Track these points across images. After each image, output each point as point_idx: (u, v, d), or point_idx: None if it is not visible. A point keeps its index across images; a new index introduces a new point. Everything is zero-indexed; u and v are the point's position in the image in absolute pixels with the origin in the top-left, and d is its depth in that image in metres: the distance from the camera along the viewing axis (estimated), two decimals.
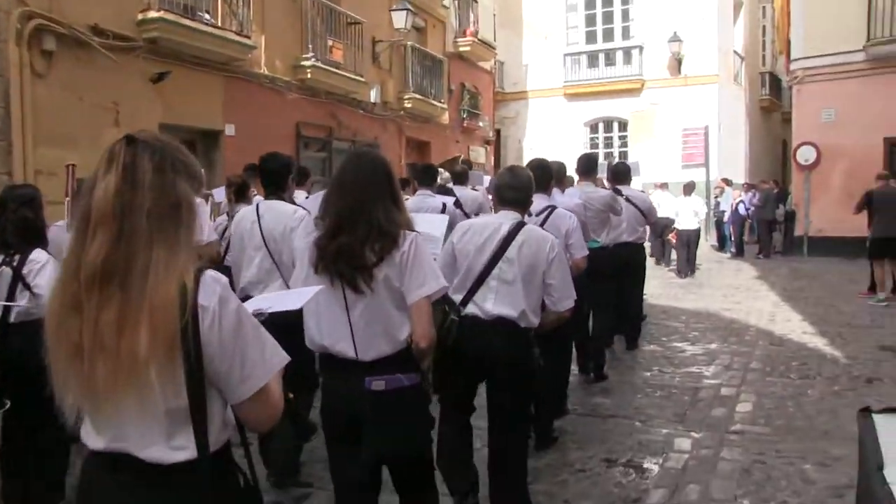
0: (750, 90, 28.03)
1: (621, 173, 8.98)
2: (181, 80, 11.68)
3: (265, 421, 2.01)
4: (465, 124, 21.60)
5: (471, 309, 4.05)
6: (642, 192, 9.96)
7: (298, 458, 5.08)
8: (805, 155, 19.72)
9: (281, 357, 1.96)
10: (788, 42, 22.27)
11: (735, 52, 26.67)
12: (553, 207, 5.56)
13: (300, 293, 2.84)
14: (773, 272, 16.70)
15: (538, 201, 5.42)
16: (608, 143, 26.68)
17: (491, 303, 4.03)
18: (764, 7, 29.53)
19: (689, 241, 16.40)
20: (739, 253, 20.30)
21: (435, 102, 19.47)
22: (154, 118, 11.00)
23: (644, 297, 10.95)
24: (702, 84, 24.50)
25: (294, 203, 5.18)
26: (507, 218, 4.16)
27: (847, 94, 19.15)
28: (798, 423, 6.15)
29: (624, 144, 26.24)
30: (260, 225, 4.90)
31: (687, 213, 16.37)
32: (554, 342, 5.11)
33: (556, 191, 6.49)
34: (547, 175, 5.77)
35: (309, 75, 14.67)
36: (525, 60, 27.24)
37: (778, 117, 31.77)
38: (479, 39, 21.65)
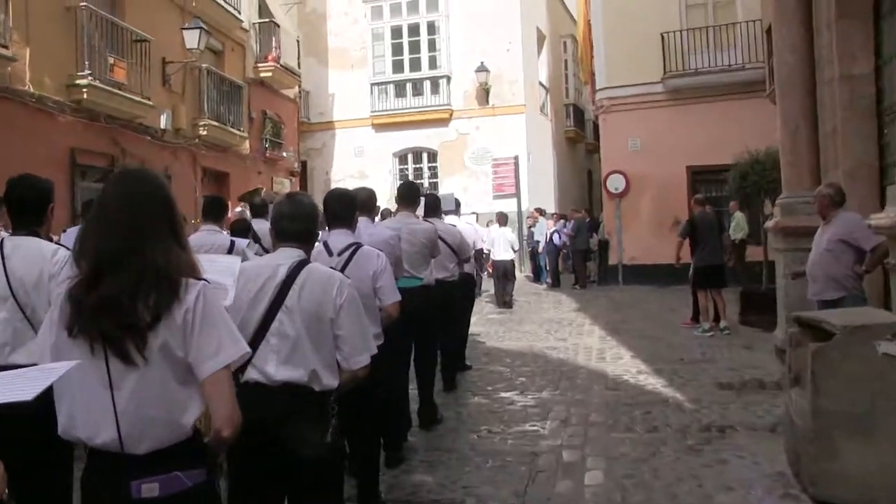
0: (556, 121, 28.07)
1: (431, 206, 8.15)
2: None
3: None
4: (267, 154, 20.01)
5: (251, 374, 3.17)
6: (453, 226, 9.00)
7: None
8: (615, 183, 19.57)
9: None
10: (593, 74, 22.33)
11: (541, 83, 26.61)
12: (358, 245, 4.60)
13: (40, 373, 2.04)
14: (592, 303, 16.15)
15: (340, 238, 4.62)
16: (418, 173, 25.79)
17: (273, 365, 3.17)
18: (565, 42, 29.77)
19: (506, 272, 15.96)
20: (556, 284, 19.80)
21: (234, 130, 17.79)
22: None
23: (469, 336, 10.05)
24: (509, 114, 24.14)
25: (52, 241, 4.03)
26: (287, 257, 3.34)
27: (650, 124, 19.20)
28: (659, 498, 5.10)
29: (434, 175, 25.44)
30: (5, 269, 3.69)
31: (501, 244, 15.86)
32: (362, 407, 4.23)
33: (365, 221, 5.56)
34: (349, 206, 4.76)
35: (85, 96, 12.68)
36: (331, 90, 25.97)
37: (582, 148, 32.15)
38: (281, 65, 20.15)
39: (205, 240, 6.57)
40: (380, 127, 25.33)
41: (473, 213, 17.87)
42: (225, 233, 10.36)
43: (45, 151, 11.97)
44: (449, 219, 9.51)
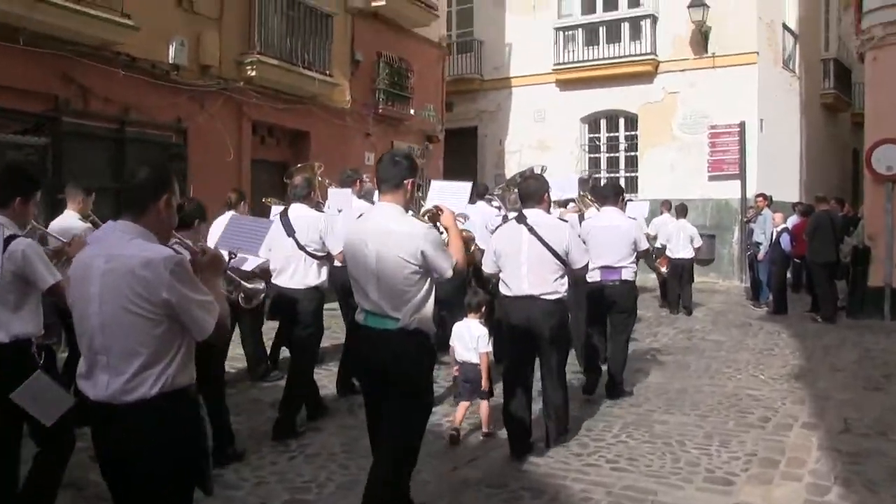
0: (807, 80, 20.10)
1: (530, 193, 5.54)
2: None
3: None
4: (380, 110, 14.31)
5: None
6: (564, 220, 6.18)
7: None
8: (886, 159, 11.88)
9: None
10: None
11: (785, 25, 18.81)
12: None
13: None
14: (827, 360, 8.94)
15: None
16: (613, 144, 19.07)
17: None
18: None
19: (683, 272, 12.64)
20: (780, 310, 12.48)
21: (314, 75, 12.27)
22: None
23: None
24: (736, 66, 16.85)
25: None
26: None
27: None
28: None
29: (632, 147, 18.63)
30: None
31: (680, 239, 12.59)
32: None
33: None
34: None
35: None
36: (508, 39, 19.89)
37: (846, 119, 23.71)
38: None
39: None
40: (565, 84, 18.94)
41: (645, 200, 11.66)
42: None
43: None
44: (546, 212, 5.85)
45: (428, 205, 4.40)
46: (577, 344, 7.49)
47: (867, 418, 6.42)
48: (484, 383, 5.72)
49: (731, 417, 6.48)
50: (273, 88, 11.78)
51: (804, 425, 6.25)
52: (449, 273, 3.84)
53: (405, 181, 3.91)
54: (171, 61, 10.15)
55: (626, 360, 7.26)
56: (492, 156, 20.25)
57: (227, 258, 3.95)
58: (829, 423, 6.28)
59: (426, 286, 3.84)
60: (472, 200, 10.86)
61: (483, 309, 5.99)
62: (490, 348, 5.80)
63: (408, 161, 4.00)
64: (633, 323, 7.33)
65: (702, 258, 17.05)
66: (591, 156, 19.19)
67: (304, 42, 12.14)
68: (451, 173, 15.58)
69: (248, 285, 5.17)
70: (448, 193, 6.81)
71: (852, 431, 6.08)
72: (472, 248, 7.09)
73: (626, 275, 6.91)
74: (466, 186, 6.89)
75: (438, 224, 4.05)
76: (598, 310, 7.13)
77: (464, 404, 5.81)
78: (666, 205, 13.67)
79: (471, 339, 5.77)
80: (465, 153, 19.89)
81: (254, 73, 11.27)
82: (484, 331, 5.83)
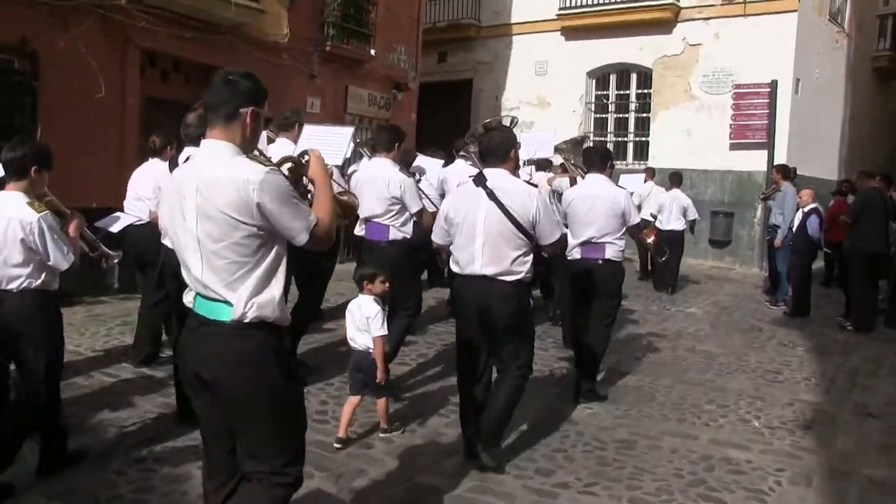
0: (857, 38, 17.19)
1: (493, 148, 4.55)
2: None
3: None
4: (328, 48, 11.80)
5: None
6: (533, 183, 5.56)
7: None
8: None
9: None
10: None
11: None
12: None
13: None
14: (852, 398, 6.32)
15: None
16: (622, 104, 16.40)
17: None
18: None
19: (673, 246, 10.93)
20: (801, 311, 9.89)
21: None
22: None
23: None
24: (772, 13, 14.10)
25: None
26: None
27: None
28: None
29: (645, 108, 15.95)
30: None
31: (672, 210, 11.34)
32: None
33: None
34: None
35: None
36: None
37: None
38: None
39: None
40: (571, 33, 16.32)
41: (648, 167, 9.61)
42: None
43: None
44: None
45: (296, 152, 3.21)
46: (566, 325, 7.18)
47: None
48: (380, 374, 4.66)
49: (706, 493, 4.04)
50: (171, 11, 9.30)
51: None
52: (303, 237, 2.71)
53: (241, 110, 2.74)
54: None
55: (605, 354, 6.15)
56: (486, 112, 17.61)
57: None
58: None
59: (271, 256, 2.72)
60: (447, 161, 8.68)
61: (377, 281, 4.85)
62: (385, 331, 4.73)
63: (248, 82, 2.80)
64: (616, 308, 6.22)
65: (717, 239, 14.64)
66: (598, 115, 16.57)
67: None
68: (440, 130, 13.22)
69: None
70: (323, 140, 5.37)
71: None
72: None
73: (610, 253, 5.83)
74: (347, 132, 5.81)
75: (306, 178, 3.01)
76: (582, 293, 5.97)
77: (351, 401, 4.76)
78: (649, 172, 12.16)
79: (361, 320, 4.67)
80: (458, 108, 17.47)
81: None
82: (376, 309, 4.72)
